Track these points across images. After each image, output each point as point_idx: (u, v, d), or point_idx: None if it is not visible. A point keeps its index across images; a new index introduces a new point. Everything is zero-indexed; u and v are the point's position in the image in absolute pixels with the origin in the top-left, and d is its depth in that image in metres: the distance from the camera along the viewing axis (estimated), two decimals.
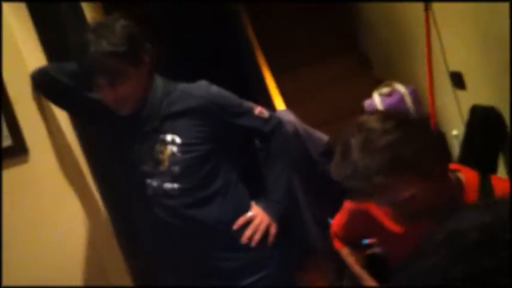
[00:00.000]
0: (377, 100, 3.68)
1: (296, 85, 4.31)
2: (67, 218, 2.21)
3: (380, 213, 1.92)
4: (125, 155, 2.06)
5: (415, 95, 3.68)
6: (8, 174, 2.15)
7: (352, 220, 2.05)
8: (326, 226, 2.79)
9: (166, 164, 2.00)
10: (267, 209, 2.13)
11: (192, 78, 2.11)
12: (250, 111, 2.13)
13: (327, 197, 2.88)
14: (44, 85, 2.12)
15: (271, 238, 2.12)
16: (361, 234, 2.17)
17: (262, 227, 2.10)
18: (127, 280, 2.45)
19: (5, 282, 2.14)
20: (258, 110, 2.15)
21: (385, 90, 3.69)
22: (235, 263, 2.09)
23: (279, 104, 3.45)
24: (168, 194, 2.01)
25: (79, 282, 2.23)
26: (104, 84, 1.90)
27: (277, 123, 2.19)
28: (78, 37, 1.96)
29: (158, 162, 2.01)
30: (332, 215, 2.87)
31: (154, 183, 2.02)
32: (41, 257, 2.18)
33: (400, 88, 3.68)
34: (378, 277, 2.12)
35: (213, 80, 2.11)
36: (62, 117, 2.29)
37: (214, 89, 2.08)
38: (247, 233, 2.08)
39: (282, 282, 2.15)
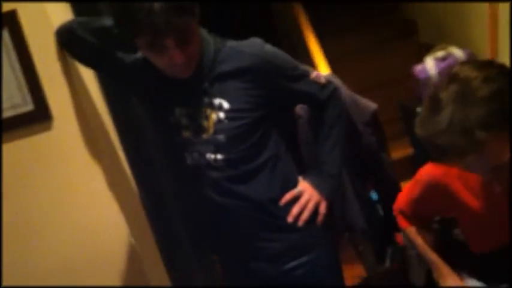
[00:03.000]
0: (430, 65, 3.39)
1: (340, 49, 4.03)
2: (93, 192, 2.00)
3: (461, 187, 1.69)
4: (163, 121, 1.82)
5: (472, 57, 3.38)
6: (30, 142, 1.95)
7: (427, 194, 1.84)
8: (368, 202, 2.58)
9: (211, 131, 1.76)
10: (317, 184, 1.89)
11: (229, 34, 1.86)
12: (306, 75, 1.89)
13: (370, 172, 2.64)
14: (69, 44, 1.88)
15: (320, 218, 1.88)
16: (434, 212, 1.96)
17: (311, 205, 1.86)
18: (157, 259, 2.24)
19: (27, 256, 1.97)
20: (315, 74, 1.92)
21: (440, 54, 3.39)
22: (280, 244, 1.86)
23: (323, 68, 3.19)
24: (210, 165, 1.78)
25: (104, 258, 2.03)
26: (172, 45, 1.62)
27: (334, 90, 1.96)
28: None
29: (202, 130, 1.77)
30: (375, 190, 2.66)
31: (196, 153, 1.79)
32: (62, 231, 1.99)
33: (456, 51, 3.37)
34: (453, 261, 1.90)
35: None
36: (89, 79, 2.06)
37: (269, 47, 1.82)
38: (294, 210, 1.84)
39: (329, 268, 1.93)
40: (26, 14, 1.90)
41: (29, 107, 1.94)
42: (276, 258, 1.86)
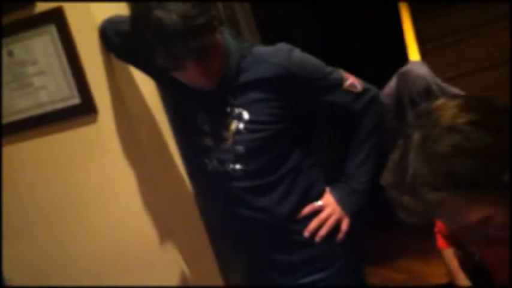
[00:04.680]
0: None
1: (435, 30, 3.71)
2: (136, 186, 2.05)
3: None
4: (187, 125, 1.81)
5: None
6: (75, 134, 2.03)
7: None
8: None
9: (230, 141, 1.72)
10: (342, 199, 1.79)
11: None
12: (338, 85, 1.76)
13: None
14: (104, 42, 1.92)
15: (341, 235, 1.78)
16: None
17: (331, 221, 1.76)
18: (212, 262, 2.25)
19: (63, 250, 2.07)
20: (349, 82, 1.77)
21: None
22: (295, 258, 1.79)
23: (413, 53, 2.98)
24: (229, 174, 1.74)
25: (148, 257, 2.08)
26: (192, 66, 1.56)
27: (372, 98, 1.80)
28: (141, 15, 1.55)
29: (222, 138, 1.73)
30: None
31: (216, 160, 1.76)
32: (104, 226, 2.06)
33: None
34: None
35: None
36: (136, 72, 2.09)
37: (297, 55, 1.71)
38: (312, 225, 1.76)
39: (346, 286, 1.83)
40: (72, 11, 1.95)
41: (76, 99, 2.02)
42: (290, 272, 1.80)
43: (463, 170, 1.06)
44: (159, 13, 1.47)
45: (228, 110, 1.71)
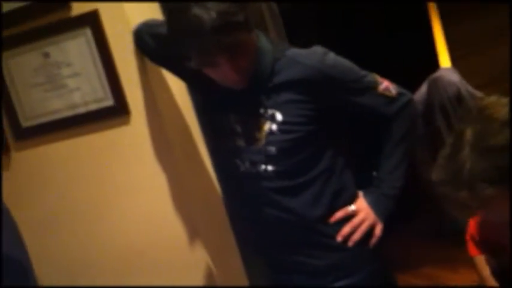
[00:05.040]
0: None
1: (466, 36, 3.68)
2: (168, 188, 2.06)
3: None
4: (219, 126, 1.82)
5: None
6: (108, 136, 2.05)
7: (491, 220, 1.65)
8: None
9: (262, 142, 1.73)
10: (374, 204, 1.79)
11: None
12: (372, 88, 1.76)
13: None
14: (139, 45, 1.94)
15: (374, 240, 1.78)
16: (499, 239, 1.76)
17: (365, 226, 1.76)
18: (238, 264, 2.26)
19: (96, 249, 2.09)
20: (383, 86, 1.78)
21: None
22: (323, 262, 1.80)
23: (444, 60, 2.96)
24: (261, 175, 1.75)
25: (175, 258, 2.10)
26: (224, 62, 1.59)
27: (406, 103, 1.81)
28: (178, 12, 1.58)
29: (254, 139, 1.74)
30: None
31: (247, 161, 1.77)
32: (134, 226, 2.08)
33: None
34: None
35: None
36: (169, 75, 2.11)
37: (331, 58, 1.73)
38: (345, 230, 1.76)
39: None
40: (107, 14, 1.97)
41: (110, 101, 2.04)
42: (318, 275, 1.80)
43: None
44: (197, 10, 1.50)
45: (261, 111, 1.72)
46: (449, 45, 3.07)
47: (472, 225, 1.80)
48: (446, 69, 2.87)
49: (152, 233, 2.09)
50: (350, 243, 1.76)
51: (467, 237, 1.83)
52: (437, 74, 2.78)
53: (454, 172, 1.17)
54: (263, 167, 1.75)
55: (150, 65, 2.02)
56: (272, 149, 1.72)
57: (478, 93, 2.74)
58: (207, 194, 2.18)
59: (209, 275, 2.13)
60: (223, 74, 1.63)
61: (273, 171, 1.74)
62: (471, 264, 2.87)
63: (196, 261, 2.11)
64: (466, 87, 2.74)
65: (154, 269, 2.10)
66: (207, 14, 1.49)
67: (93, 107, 2.04)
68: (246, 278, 2.26)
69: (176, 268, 2.09)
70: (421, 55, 3.17)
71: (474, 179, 1.13)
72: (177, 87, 2.14)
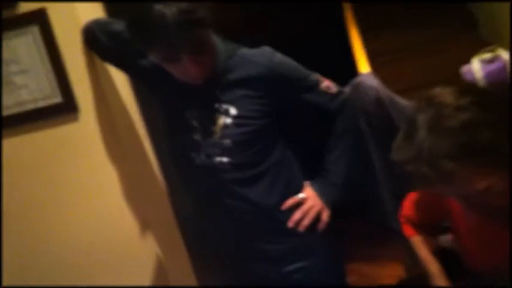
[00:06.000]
0: (476, 67, 3.29)
1: (386, 46, 3.96)
2: (117, 184, 2.10)
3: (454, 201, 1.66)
4: (175, 122, 1.89)
5: None
6: (57, 132, 2.06)
7: (426, 202, 1.81)
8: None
9: (217, 135, 1.82)
10: (321, 192, 1.93)
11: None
12: (316, 86, 1.90)
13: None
14: (91, 43, 1.98)
15: (322, 225, 1.91)
16: (435, 219, 1.91)
17: (313, 212, 1.89)
18: (185, 261, 2.32)
19: (46, 247, 2.09)
20: (325, 84, 1.92)
21: (487, 56, 3.29)
22: (282, 247, 1.90)
23: (363, 66, 3.17)
24: (217, 167, 1.84)
25: (127, 252, 2.13)
26: (186, 58, 1.63)
27: (345, 100, 1.97)
28: (141, 9, 1.62)
29: (210, 133, 1.83)
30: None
31: (203, 154, 1.85)
32: (83, 224, 2.10)
33: (504, 54, 3.26)
34: (448, 273, 1.86)
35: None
36: (117, 76, 2.15)
37: (278, 57, 1.85)
38: (295, 216, 1.88)
39: (327, 274, 1.96)
40: (56, 12, 2.00)
41: (58, 98, 2.05)
42: (277, 261, 1.91)
43: (475, 141, 1.26)
44: (160, 7, 1.57)
45: (216, 105, 1.81)
46: (371, 53, 3.29)
47: (406, 208, 1.94)
48: (366, 74, 3.06)
49: (102, 230, 2.11)
50: (301, 229, 1.88)
51: (402, 220, 1.96)
52: (358, 79, 2.95)
53: (414, 152, 1.32)
54: (218, 159, 1.83)
55: (99, 63, 2.06)
56: (227, 142, 1.81)
57: (397, 97, 2.94)
58: (155, 190, 2.23)
59: (159, 270, 2.17)
60: (184, 69, 1.69)
61: (228, 163, 1.83)
62: (396, 259, 3.08)
63: (146, 256, 2.16)
64: (384, 91, 2.93)
65: (104, 266, 2.12)
66: (169, 10, 1.56)
67: (41, 104, 2.05)
68: (192, 270, 2.32)
69: (126, 264, 2.13)
70: (340, 62, 3.36)
71: (434, 156, 1.29)
72: (122, 85, 2.19)
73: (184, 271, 2.28)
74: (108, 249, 2.11)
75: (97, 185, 2.09)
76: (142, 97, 2.34)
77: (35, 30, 2.02)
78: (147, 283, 2.17)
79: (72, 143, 2.07)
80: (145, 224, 2.14)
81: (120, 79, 2.16)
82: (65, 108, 2.05)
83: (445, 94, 1.34)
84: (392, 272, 3.18)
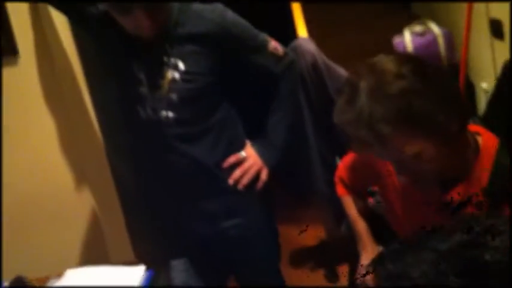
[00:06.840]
0: (407, 39, 3.40)
1: (323, 16, 4.03)
2: (55, 131, 2.08)
3: (384, 166, 1.75)
4: (121, 74, 1.88)
5: (450, 38, 3.39)
6: None
7: (359, 164, 1.89)
8: (332, 168, 2.64)
9: (165, 90, 1.81)
10: (261, 151, 1.97)
11: None
12: (264, 47, 1.91)
13: (338, 138, 2.70)
14: None
15: (260, 183, 1.95)
16: (366, 182, 2.00)
17: (253, 170, 1.93)
18: (119, 216, 2.33)
19: None
20: (273, 45, 1.93)
21: (418, 28, 3.39)
22: (219, 205, 1.94)
23: (301, 30, 3.22)
24: (162, 122, 1.84)
25: (63, 202, 2.13)
26: (140, 10, 1.63)
27: (290, 62, 1.98)
28: None
29: (157, 87, 1.82)
30: (341, 156, 2.71)
31: (149, 108, 1.85)
32: (20, 168, 2.07)
33: (434, 28, 3.39)
34: (376, 234, 1.97)
35: None
36: (60, 21, 2.11)
37: (230, 15, 1.85)
38: (235, 174, 1.91)
39: (262, 232, 2.01)
40: None
41: None
42: (213, 218, 1.94)
43: (411, 108, 1.32)
44: None
45: (165, 59, 1.81)
46: (310, 21, 3.33)
47: (341, 169, 2.02)
48: (304, 39, 3.10)
49: (38, 177, 2.09)
50: (240, 186, 1.92)
51: (336, 179, 2.04)
52: (295, 42, 3.00)
53: (354, 115, 1.38)
54: (164, 113, 1.83)
55: (42, 9, 2.02)
56: (174, 96, 1.82)
57: (333, 64, 3.01)
58: (93, 142, 2.22)
59: (93, 224, 2.18)
60: (136, 22, 1.69)
61: (173, 118, 1.83)
62: (316, 222, 3.18)
63: (81, 208, 2.16)
64: (321, 57, 2.99)
65: (38, 215, 2.11)
66: None
67: None
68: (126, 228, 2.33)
69: (61, 214, 2.12)
70: (279, 26, 3.40)
71: (373, 120, 1.34)
72: (63, 30, 2.15)
73: (118, 227, 2.29)
74: (44, 198, 2.10)
75: (36, 133, 2.07)
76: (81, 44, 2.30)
77: None
78: (80, 235, 2.18)
79: (11, 87, 2.03)
80: (82, 175, 2.13)
81: (61, 25, 2.12)
82: (5, 50, 2.01)
83: (386, 61, 1.39)
84: (314, 234, 3.30)
